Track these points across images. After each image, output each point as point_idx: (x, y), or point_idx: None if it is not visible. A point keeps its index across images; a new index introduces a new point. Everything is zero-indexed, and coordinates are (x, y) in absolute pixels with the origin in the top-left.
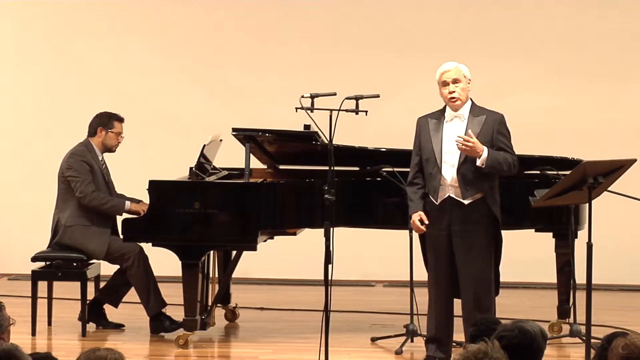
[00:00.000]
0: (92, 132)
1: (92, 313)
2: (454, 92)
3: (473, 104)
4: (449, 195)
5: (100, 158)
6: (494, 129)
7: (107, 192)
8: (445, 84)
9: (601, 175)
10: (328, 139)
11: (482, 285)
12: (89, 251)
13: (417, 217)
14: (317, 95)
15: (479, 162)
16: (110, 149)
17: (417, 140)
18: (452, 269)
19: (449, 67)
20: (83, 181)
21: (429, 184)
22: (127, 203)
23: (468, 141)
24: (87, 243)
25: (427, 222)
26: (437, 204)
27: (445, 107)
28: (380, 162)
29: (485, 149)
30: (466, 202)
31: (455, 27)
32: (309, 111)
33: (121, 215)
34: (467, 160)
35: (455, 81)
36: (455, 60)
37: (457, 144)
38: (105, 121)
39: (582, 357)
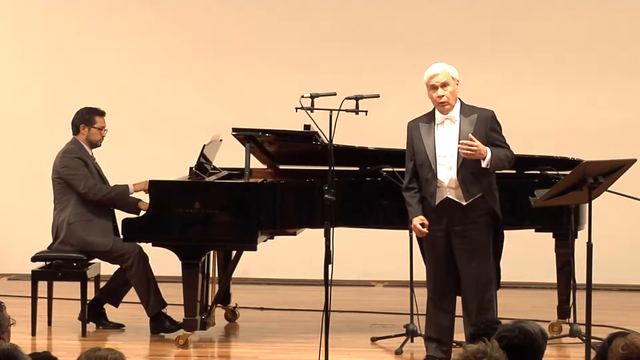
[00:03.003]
0: (75, 130)
1: (92, 313)
2: (443, 96)
3: (462, 104)
4: (447, 197)
5: (90, 154)
6: (486, 127)
7: (102, 184)
8: (434, 87)
9: (601, 175)
10: (328, 139)
11: (483, 285)
12: (95, 244)
13: (419, 220)
14: (317, 95)
15: (484, 164)
16: (95, 144)
17: (409, 146)
18: (449, 267)
19: (437, 70)
20: (82, 177)
21: (425, 189)
22: (130, 186)
23: (472, 145)
24: (91, 237)
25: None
26: (434, 206)
27: (434, 109)
28: (380, 162)
29: (488, 150)
30: (465, 202)
31: (456, 27)
32: (309, 111)
33: (127, 198)
34: (465, 162)
35: (444, 85)
36: (455, 60)
37: (460, 151)
38: (87, 117)
39: (582, 357)
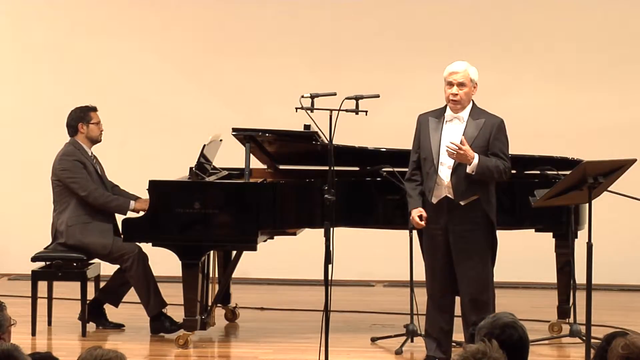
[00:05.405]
0: (73, 131)
1: (92, 313)
2: (456, 95)
3: (474, 106)
4: (445, 196)
5: (89, 153)
6: (491, 134)
7: (102, 186)
8: (450, 84)
9: (601, 175)
10: (328, 139)
11: (480, 285)
12: (94, 247)
13: (417, 212)
14: (317, 95)
15: (469, 169)
16: (96, 140)
17: (416, 138)
18: (447, 266)
19: (458, 69)
20: (82, 179)
21: (425, 183)
22: (132, 203)
23: (460, 148)
24: (90, 239)
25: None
26: (434, 203)
27: (446, 106)
28: (380, 162)
29: (476, 156)
30: (462, 203)
31: (456, 26)
32: (309, 111)
33: (125, 214)
34: (461, 164)
35: (460, 84)
36: (456, 59)
37: (447, 150)
38: (82, 115)
39: (582, 357)
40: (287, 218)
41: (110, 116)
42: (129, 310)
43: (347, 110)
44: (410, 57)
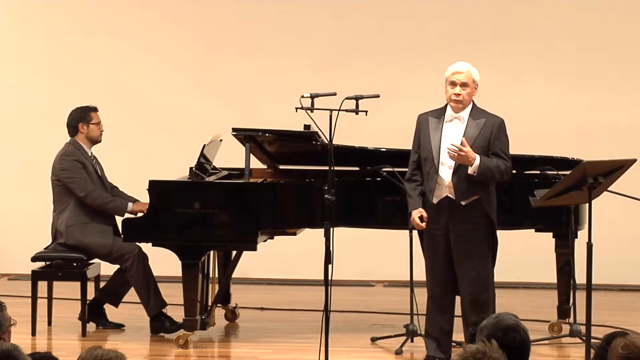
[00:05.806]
0: (73, 131)
1: (92, 313)
2: (459, 95)
3: (474, 106)
4: (446, 196)
5: (89, 154)
6: (492, 134)
7: (102, 187)
8: (453, 84)
9: (601, 175)
10: (328, 139)
11: (480, 285)
12: (93, 247)
13: (417, 214)
14: (317, 95)
15: (470, 170)
16: (96, 140)
17: (416, 138)
18: (449, 266)
19: (462, 69)
20: (80, 179)
21: (426, 183)
22: (130, 204)
23: (461, 150)
24: (89, 240)
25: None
26: (434, 203)
27: (446, 105)
28: (380, 162)
29: (478, 157)
30: (463, 202)
31: (456, 26)
32: (309, 111)
33: (122, 215)
34: (461, 164)
35: (463, 85)
36: (455, 60)
37: (448, 152)
38: (82, 115)
39: (582, 357)
40: (287, 218)
41: (110, 116)
42: (129, 310)
43: (347, 110)
44: (410, 57)
